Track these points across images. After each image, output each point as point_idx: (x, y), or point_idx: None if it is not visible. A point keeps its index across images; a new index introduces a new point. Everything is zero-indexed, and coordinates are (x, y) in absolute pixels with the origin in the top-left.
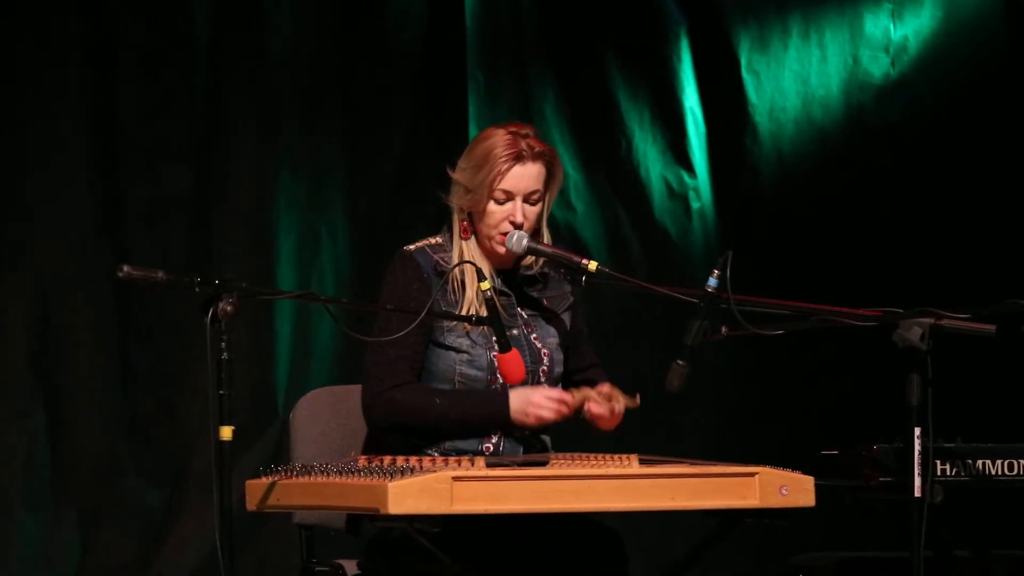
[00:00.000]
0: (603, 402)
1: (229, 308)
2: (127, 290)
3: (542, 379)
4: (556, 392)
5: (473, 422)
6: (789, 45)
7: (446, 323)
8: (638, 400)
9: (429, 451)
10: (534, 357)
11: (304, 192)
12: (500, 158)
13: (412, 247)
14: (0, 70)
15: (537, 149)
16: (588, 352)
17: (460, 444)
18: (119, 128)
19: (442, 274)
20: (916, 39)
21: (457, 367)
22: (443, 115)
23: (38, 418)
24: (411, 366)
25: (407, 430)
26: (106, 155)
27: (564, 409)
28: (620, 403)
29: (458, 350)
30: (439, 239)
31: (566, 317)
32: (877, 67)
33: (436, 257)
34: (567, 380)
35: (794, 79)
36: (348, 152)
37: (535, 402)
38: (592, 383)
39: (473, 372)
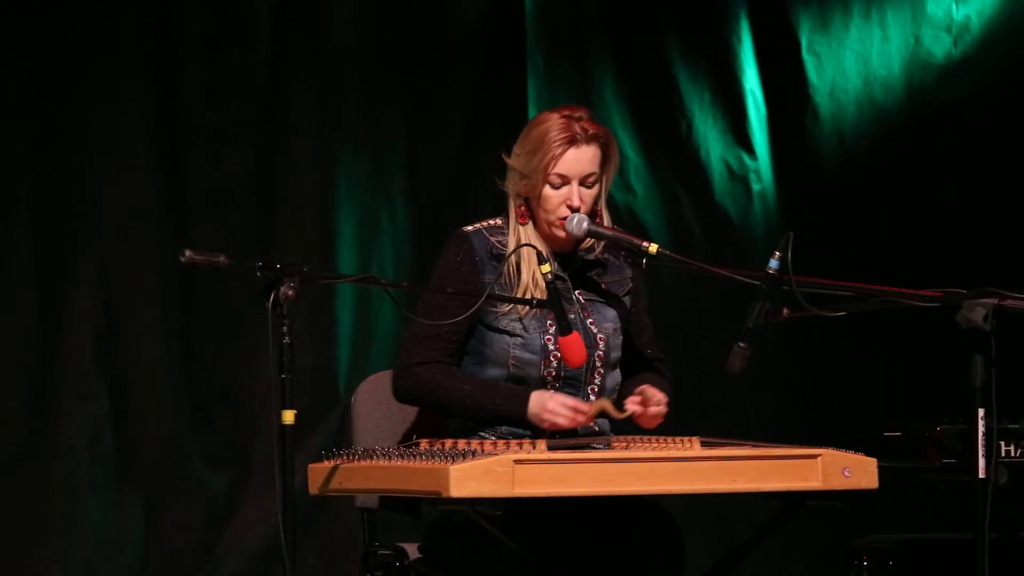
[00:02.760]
0: (613, 412)
1: (291, 292)
2: (190, 274)
3: (598, 364)
4: (572, 401)
5: (490, 415)
6: (850, 25)
7: (500, 307)
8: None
9: (485, 434)
10: (590, 342)
11: (364, 175)
12: (554, 142)
13: (470, 228)
14: (63, 56)
15: (591, 131)
16: (653, 343)
17: (517, 428)
18: (181, 112)
19: (498, 257)
20: (979, 19)
21: (512, 351)
22: (503, 98)
23: (103, 402)
24: (445, 346)
25: (426, 407)
26: (168, 139)
27: (580, 418)
28: (660, 404)
29: (512, 333)
30: (499, 221)
31: (626, 301)
32: (939, 47)
33: (493, 240)
34: (626, 366)
35: (855, 60)
36: (408, 135)
37: (550, 408)
38: (648, 375)
39: (527, 356)
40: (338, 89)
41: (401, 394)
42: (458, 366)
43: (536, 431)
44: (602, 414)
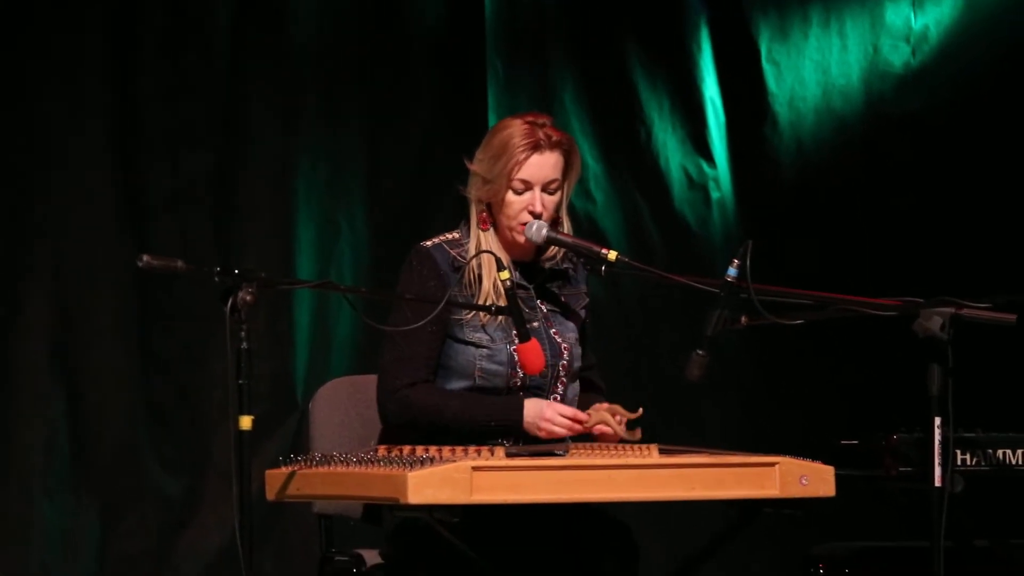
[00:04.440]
0: (613, 425)
1: (248, 297)
2: (147, 279)
3: (562, 373)
4: (570, 411)
5: (485, 427)
6: (809, 34)
7: (464, 317)
8: (640, 411)
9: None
10: (554, 351)
11: (323, 181)
12: (518, 148)
13: (429, 243)
14: (19, 55)
15: (555, 138)
16: (589, 354)
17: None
18: (138, 115)
19: (460, 269)
20: (937, 28)
21: (477, 362)
22: (462, 104)
23: (58, 407)
24: (426, 363)
25: (420, 427)
26: (126, 142)
27: (578, 427)
28: (622, 423)
29: (477, 345)
30: (456, 234)
31: (581, 314)
32: (898, 57)
33: (453, 253)
34: None
35: (814, 68)
36: (367, 141)
37: (548, 417)
38: (590, 384)
39: (493, 367)
40: (297, 94)
41: (392, 418)
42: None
43: (528, 439)
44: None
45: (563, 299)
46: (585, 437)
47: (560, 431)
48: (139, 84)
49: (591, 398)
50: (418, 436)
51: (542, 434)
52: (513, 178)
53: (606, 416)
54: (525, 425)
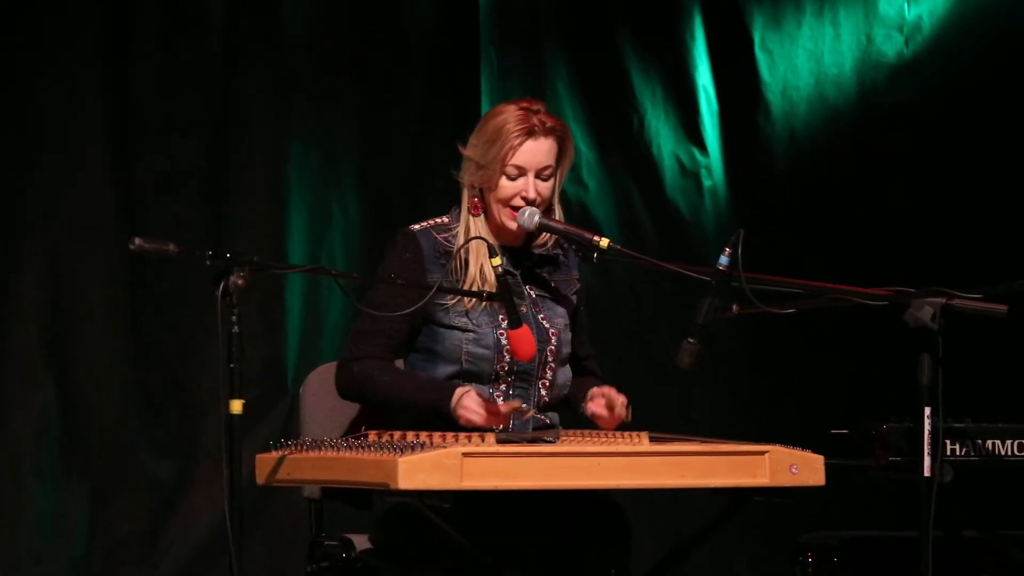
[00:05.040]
0: (603, 401)
1: (240, 282)
2: (139, 263)
3: (550, 359)
4: (484, 404)
5: (417, 407)
6: (803, 23)
7: (448, 303)
8: (629, 414)
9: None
10: (542, 336)
11: (316, 167)
12: (512, 133)
13: (416, 227)
14: (15, 43)
15: (549, 124)
16: (585, 344)
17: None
18: (133, 101)
19: (446, 254)
20: (930, 19)
21: (464, 346)
22: (455, 91)
23: (49, 391)
24: (385, 342)
25: (363, 402)
26: (119, 128)
27: (492, 419)
28: (619, 405)
29: (464, 329)
30: (445, 219)
31: (573, 300)
32: (891, 46)
33: (440, 237)
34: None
35: (807, 58)
36: (360, 127)
37: (465, 404)
38: (589, 373)
39: (480, 351)
40: (290, 80)
41: (340, 389)
42: (404, 363)
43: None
44: (517, 414)
45: (553, 284)
46: (580, 422)
47: (474, 418)
48: (133, 70)
49: (589, 382)
50: (413, 419)
51: (462, 422)
52: (507, 164)
53: (516, 405)
54: (451, 411)
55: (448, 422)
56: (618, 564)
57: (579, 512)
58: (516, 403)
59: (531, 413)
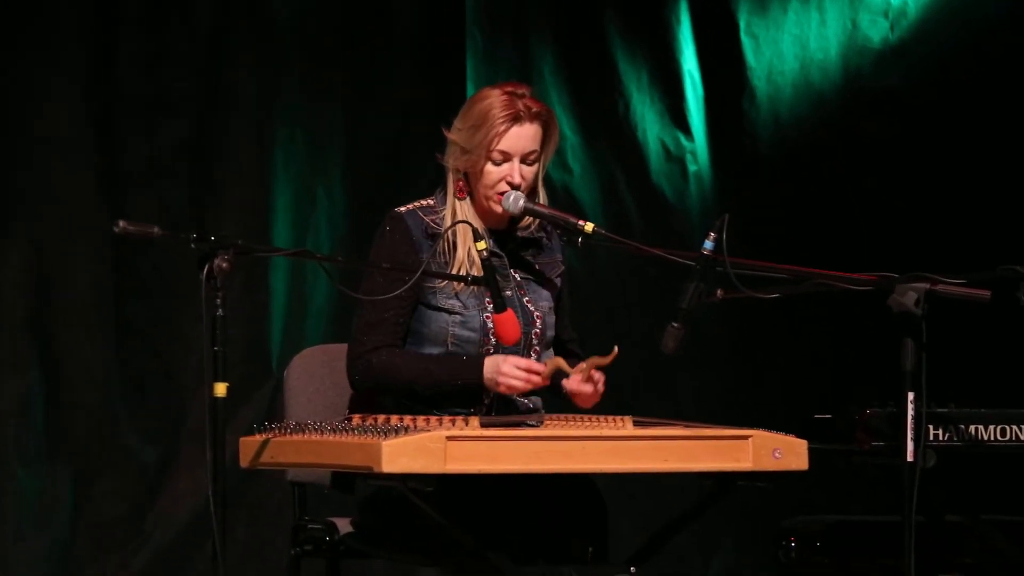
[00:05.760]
0: (580, 377)
1: (225, 265)
2: (124, 246)
3: (535, 342)
4: (525, 362)
5: (447, 387)
6: (788, 8)
7: (436, 285)
8: (615, 352)
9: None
10: (527, 319)
11: (301, 150)
12: (497, 119)
13: (403, 209)
14: None
15: (534, 109)
16: (569, 327)
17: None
18: (118, 82)
19: (434, 236)
20: (915, 4)
21: (450, 328)
22: (441, 74)
23: (33, 374)
24: (393, 329)
25: (386, 391)
26: (104, 110)
27: (536, 379)
28: (599, 379)
29: (450, 311)
30: (431, 201)
31: (557, 283)
32: (876, 31)
33: (427, 219)
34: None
35: (793, 43)
36: (346, 111)
37: (504, 372)
38: (573, 356)
39: (466, 333)
40: (277, 63)
41: (358, 383)
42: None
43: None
44: (558, 373)
45: (537, 267)
46: (564, 406)
47: (518, 384)
48: (119, 52)
49: (570, 363)
50: (388, 402)
51: (502, 389)
52: (492, 149)
53: (560, 362)
54: (485, 381)
55: (479, 394)
56: (596, 543)
57: (557, 493)
58: (558, 360)
59: (587, 364)
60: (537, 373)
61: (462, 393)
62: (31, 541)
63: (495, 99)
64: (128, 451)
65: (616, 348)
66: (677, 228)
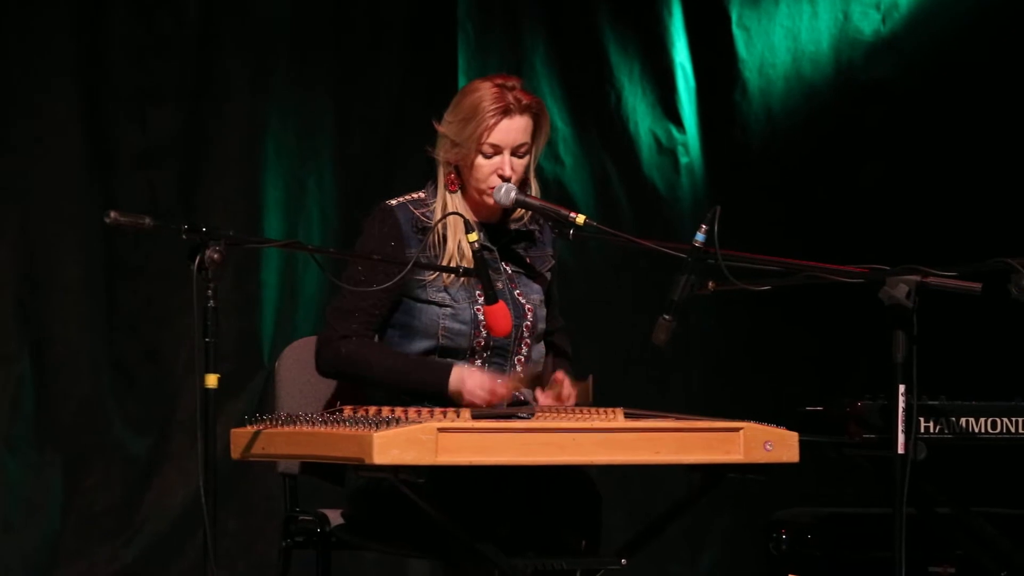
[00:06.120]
0: (551, 394)
1: (216, 256)
2: (114, 236)
3: (525, 334)
4: (490, 383)
5: (411, 387)
6: (780, 1)
7: (426, 278)
8: (590, 383)
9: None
10: (518, 312)
11: (292, 141)
12: (488, 112)
13: (394, 202)
14: None
15: (524, 102)
16: (556, 318)
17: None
18: (108, 71)
19: (424, 230)
20: None
21: (441, 321)
22: (433, 65)
23: (24, 363)
24: (368, 319)
25: (348, 380)
26: (95, 99)
27: (495, 400)
28: (569, 397)
29: (441, 304)
30: (422, 194)
31: (547, 276)
32: (868, 24)
33: (418, 212)
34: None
35: (784, 35)
36: (338, 101)
37: (469, 388)
38: (555, 349)
39: (457, 326)
40: (268, 53)
41: (323, 367)
42: (381, 340)
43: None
44: (533, 380)
45: (528, 260)
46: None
47: (479, 402)
48: (109, 41)
49: (557, 363)
50: (388, 394)
51: (463, 402)
52: (483, 142)
53: (520, 385)
54: (449, 392)
55: (436, 400)
56: (589, 534)
57: (550, 484)
58: (517, 378)
59: (565, 390)
60: (498, 394)
61: (421, 394)
62: (21, 532)
63: (485, 92)
64: (118, 442)
65: (592, 376)
66: (668, 220)
